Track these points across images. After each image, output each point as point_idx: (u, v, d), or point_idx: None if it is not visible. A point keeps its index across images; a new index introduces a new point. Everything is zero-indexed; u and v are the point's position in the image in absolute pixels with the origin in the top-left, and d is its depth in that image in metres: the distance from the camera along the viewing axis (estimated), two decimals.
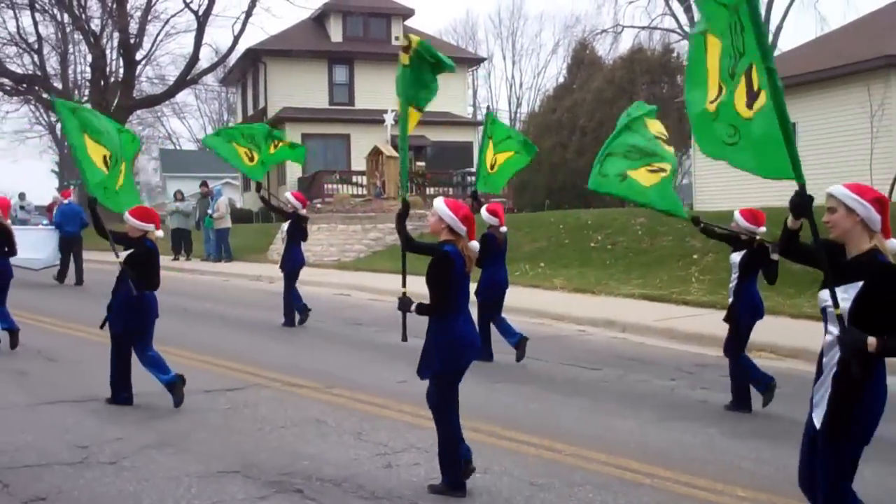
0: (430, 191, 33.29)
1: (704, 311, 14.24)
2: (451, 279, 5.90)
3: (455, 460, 5.97)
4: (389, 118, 32.00)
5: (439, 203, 6.05)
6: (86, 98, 39.84)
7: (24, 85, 39.34)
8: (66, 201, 21.23)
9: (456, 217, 5.97)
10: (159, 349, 8.62)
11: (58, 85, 40.02)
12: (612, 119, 38.89)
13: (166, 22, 39.12)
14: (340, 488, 6.05)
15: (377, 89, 38.44)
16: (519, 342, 10.96)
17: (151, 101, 42.44)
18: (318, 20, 40.76)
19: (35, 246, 18.35)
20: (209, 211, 25.43)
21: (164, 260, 25.36)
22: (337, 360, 10.90)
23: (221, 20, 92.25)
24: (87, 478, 6.20)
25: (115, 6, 37.31)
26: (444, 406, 6.04)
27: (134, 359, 8.46)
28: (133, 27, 38.33)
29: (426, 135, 37.30)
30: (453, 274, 5.90)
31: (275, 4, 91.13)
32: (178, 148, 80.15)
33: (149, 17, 38.50)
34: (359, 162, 36.09)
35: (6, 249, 11.40)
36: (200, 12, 38.17)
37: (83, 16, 38.19)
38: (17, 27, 39.10)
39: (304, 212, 14.09)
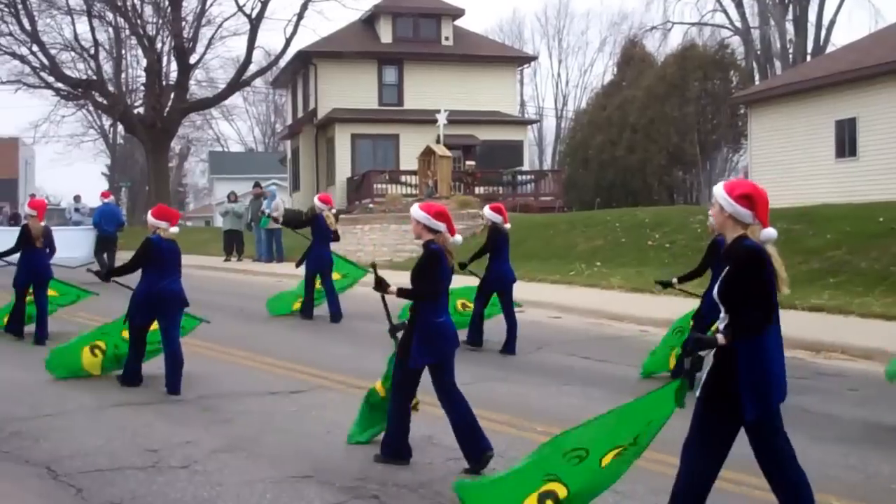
0: (479, 190, 33.15)
1: None
2: (439, 272, 6.38)
3: (398, 434, 6.53)
4: (442, 117, 31.89)
5: (413, 208, 6.54)
6: (140, 102, 40.26)
7: (81, 90, 39.81)
8: (104, 201, 21.80)
9: (429, 216, 6.44)
10: (221, 351, 8.79)
11: (112, 90, 40.40)
12: (664, 116, 38.94)
13: (219, 26, 39.42)
14: (417, 494, 5.93)
15: (426, 89, 38.33)
16: (474, 342, 11.47)
17: (204, 104, 42.78)
18: (368, 21, 40.75)
19: (71, 245, 18.71)
20: (266, 210, 25.40)
21: (216, 261, 25.91)
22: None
23: (271, 23, 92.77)
24: (160, 482, 6.14)
25: (169, 11, 37.64)
26: (402, 387, 6.55)
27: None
28: (186, 32, 38.63)
29: (475, 133, 37.14)
30: (441, 268, 6.37)
31: (326, 7, 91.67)
32: (225, 150, 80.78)
33: (202, 22, 38.77)
34: (408, 162, 35.95)
35: (48, 250, 12.04)
36: (253, 15, 38.43)
37: (138, 21, 38.57)
38: (74, 33, 39.65)
39: (332, 211, 14.54)
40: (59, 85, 40.05)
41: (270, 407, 8.33)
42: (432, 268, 6.38)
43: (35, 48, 38.64)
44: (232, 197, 27.70)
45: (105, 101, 40.34)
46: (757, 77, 45.15)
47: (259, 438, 7.28)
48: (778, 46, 46.18)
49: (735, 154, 46.87)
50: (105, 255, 20.68)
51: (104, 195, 22.52)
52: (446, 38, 40.00)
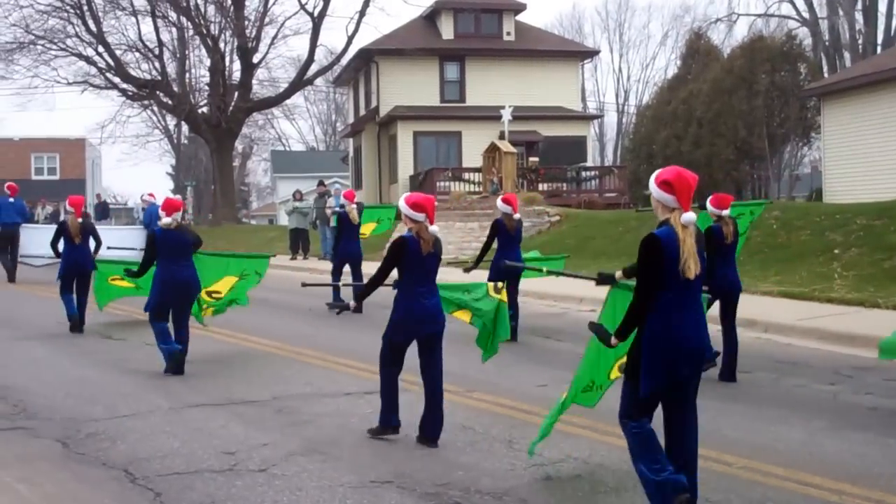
0: (543, 186, 32.87)
1: (851, 308, 13.47)
2: (401, 259, 6.92)
3: (388, 407, 7.19)
4: (507, 113, 31.64)
5: (399, 200, 7.13)
6: (204, 102, 40.60)
7: (146, 90, 40.28)
8: (152, 202, 22.88)
9: (406, 206, 6.95)
10: (291, 350, 9.27)
11: (177, 90, 40.82)
12: (731, 110, 38.24)
13: (282, 24, 39.59)
14: (502, 502, 5.73)
15: (488, 86, 38.15)
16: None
17: (267, 104, 43.03)
18: (429, 18, 40.64)
19: (121, 243, 19.46)
20: (335, 208, 25.32)
21: (283, 259, 25.92)
22: (474, 364, 10.18)
23: (332, 21, 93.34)
24: (239, 486, 6.02)
25: (232, 10, 37.90)
26: (385, 362, 7.22)
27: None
28: (249, 31, 38.87)
29: (538, 129, 36.83)
30: (405, 255, 6.89)
31: (389, 3, 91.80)
32: (287, 149, 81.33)
33: (265, 21, 38.99)
34: (470, 159, 35.97)
35: (91, 244, 13.11)
36: (315, 14, 38.51)
37: (202, 21, 38.90)
38: (139, 33, 40.13)
39: (352, 206, 15.39)
40: (125, 86, 40.53)
41: (346, 408, 8.19)
42: (389, 255, 6.97)
43: (101, 49, 39.14)
44: (297, 195, 27.74)
45: (170, 102, 40.72)
46: (826, 69, 44.16)
47: (336, 441, 7.14)
48: (847, 37, 45.11)
49: (805, 147, 45.92)
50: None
51: (151, 196, 23.97)
52: (508, 34, 39.74)
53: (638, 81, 74.15)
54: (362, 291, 7.55)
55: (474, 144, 36.49)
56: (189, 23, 39.34)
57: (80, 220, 13.08)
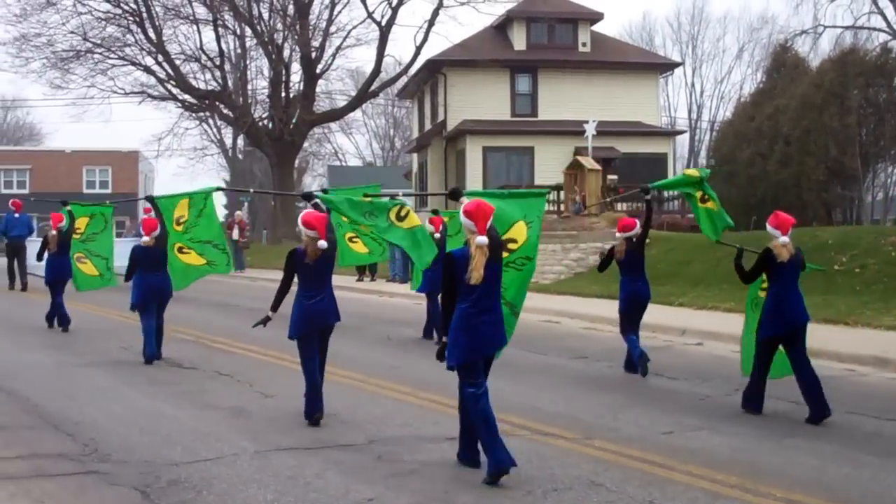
0: (621, 206, 30.81)
1: None
2: (291, 268, 8.39)
3: (311, 399, 8.32)
4: (590, 128, 29.58)
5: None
6: (265, 114, 39.14)
7: (206, 101, 38.91)
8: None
9: (300, 224, 8.31)
10: (377, 385, 9.70)
11: (237, 101, 39.36)
12: (821, 127, 35.32)
13: (348, 34, 37.95)
14: None
15: (562, 99, 36.34)
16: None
17: (331, 116, 41.45)
18: (501, 28, 38.80)
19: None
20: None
21: (348, 280, 24.35)
22: (580, 404, 9.47)
23: (395, 30, 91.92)
24: None
25: (297, 19, 36.41)
26: (301, 359, 8.46)
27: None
28: (314, 40, 37.37)
29: (615, 146, 34.73)
30: (293, 264, 8.37)
31: (460, 12, 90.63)
32: (343, 164, 79.85)
33: (330, 31, 37.42)
34: (542, 176, 34.09)
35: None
36: (383, 23, 36.84)
37: (264, 30, 37.47)
38: (200, 43, 38.78)
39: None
40: (184, 96, 39.21)
41: (451, 456, 7.21)
42: (286, 265, 8.46)
43: (160, 58, 37.83)
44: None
45: (231, 113, 39.28)
46: None
47: (449, 496, 6.31)
48: None
49: None
50: None
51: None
52: (583, 44, 37.80)
53: (711, 97, 71.30)
54: (273, 301, 8.57)
55: (547, 161, 34.75)
56: (251, 32, 37.85)
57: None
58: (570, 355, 12.74)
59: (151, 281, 11.86)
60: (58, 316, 14.86)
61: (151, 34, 37.29)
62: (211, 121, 54.48)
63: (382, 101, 59.55)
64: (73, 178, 61.97)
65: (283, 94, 38.38)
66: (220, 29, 38.26)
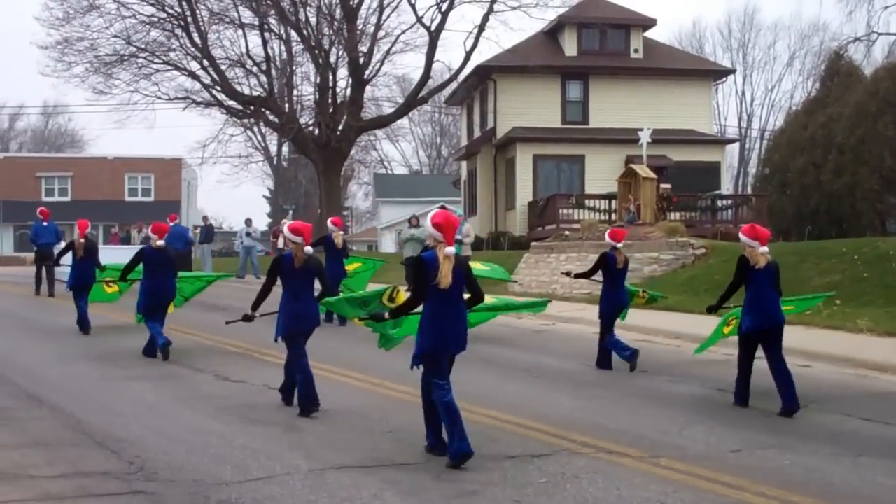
0: (674, 216, 30.16)
1: None
2: (276, 273, 9.26)
3: (308, 394, 9.02)
4: (645, 136, 28.96)
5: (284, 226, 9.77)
6: (312, 120, 38.81)
7: (252, 107, 38.65)
8: (172, 224, 24.36)
9: (288, 231, 9.21)
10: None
11: (284, 107, 39.05)
12: (876, 136, 34.22)
13: (396, 39, 37.52)
14: None
15: (613, 106, 35.70)
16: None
17: (379, 123, 41.03)
18: (551, 34, 38.25)
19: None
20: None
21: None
22: (644, 420, 9.23)
23: (444, 35, 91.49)
24: None
25: (344, 23, 36.09)
26: (292, 356, 9.25)
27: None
28: (362, 45, 37.00)
29: (667, 154, 34.05)
30: (279, 269, 9.23)
31: (511, 16, 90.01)
32: (389, 172, 79.61)
33: (379, 35, 37.05)
34: (594, 184, 33.60)
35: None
36: (433, 27, 36.40)
37: (311, 35, 37.18)
38: (246, 48, 38.55)
39: (340, 233, 16.73)
40: (230, 102, 38.94)
41: (515, 476, 7.08)
42: (269, 270, 9.37)
43: (205, 63, 37.62)
44: (413, 221, 25.47)
45: (276, 120, 39.00)
46: None
47: None
48: None
49: None
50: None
51: (171, 218, 26.05)
52: (636, 51, 37.17)
53: (761, 105, 70.10)
54: (255, 301, 9.45)
55: (598, 169, 34.23)
56: (298, 36, 37.56)
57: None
58: (629, 369, 12.34)
59: (159, 283, 12.61)
60: (80, 319, 15.08)
61: (196, 38, 36.94)
62: (256, 127, 54.35)
63: (429, 108, 59.04)
64: (115, 185, 61.78)
65: (330, 100, 37.98)
66: (265, 33, 37.88)
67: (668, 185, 31.46)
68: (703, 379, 11.74)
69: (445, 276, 7.33)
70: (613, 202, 30.37)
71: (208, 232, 33.30)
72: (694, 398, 10.56)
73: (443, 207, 27.10)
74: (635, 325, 16.82)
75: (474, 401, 9.65)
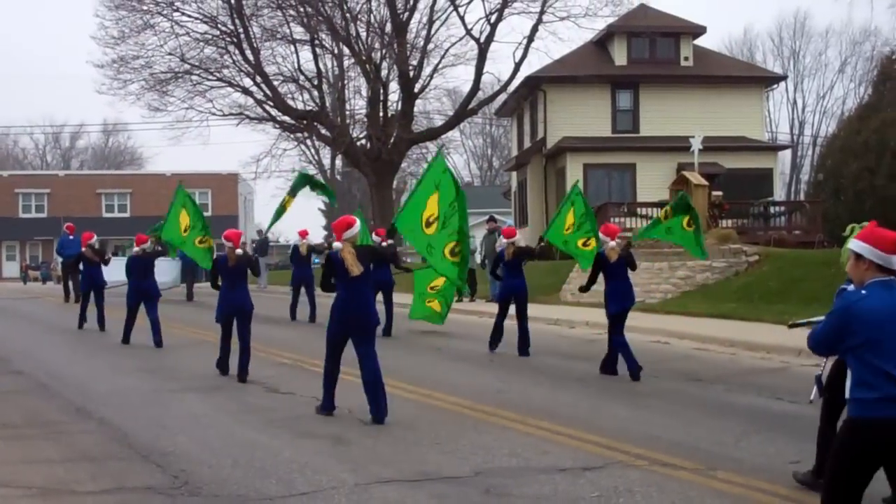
0: (726, 223, 29.96)
1: None
2: (216, 271, 12.27)
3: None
4: (696, 143, 28.89)
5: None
6: (363, 133, 39.24)
7: (304, 121, 39.16)
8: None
9: (223, 238, 11.98)
10: (482, 411, 9.50)
11: (336, 121, 39.55)
12: None
13: (446, 52, 37.87)
14: None
15: (664, 115, 35.58)
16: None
17: (431, 135, 41.37)
18: (600, 43, 38.31)
19: (161, 272, 20.39)
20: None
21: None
22: (699, 431, 8.91)
23: (494, 47, 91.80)
24: None
25: (394, 37, 36.47)
26: (221, 337, 12.09)
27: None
28: (412, 58, 37.36)
29: (719, 161, 33.90)
30: (217, 268, 12.20)
31: (560, 27, 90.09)
32: None
33: (428, 48, 37.40)
34: (645, 193, 33.53)
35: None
36: (482, 39, 36.65)
37: (362, 49, 37.61)
38: (297, 63, 39.09)
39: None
40: (283, 117, 39.49)
41: (566, 490, 6.83)
42: (211, 270, 12.65)
43: (258, 79, 38.20)
44: (491, 225, 25.76)
45: (329, 134, 39.46)
46: None
47: None
48: None
49: None
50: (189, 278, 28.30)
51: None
52: (686, 59, 37.09)
53: (813, 112, 69.31)
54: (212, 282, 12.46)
55: (649, 178, 34.17)
56: (349, 51, 38.02)
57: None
58: (684, 378, 12.26)
59: (143, 285, 15.21)
60: (98, 318, 17.57)
61: (249, 55, 37.58)
62: (309, 141, 54.92)
63: (480, 119, 59.39)
64: None
65: (381, 114, 38.38)
66: (317, 49, 38.46)
67: (719, 193, 31.17)
68: (759, 387, 11.48)
69: (350, 266, 8.88)
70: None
71: (263, 245, 33.74)
72: (750, 407, 10.25)
73: (491, 219, 27.31)
74: (689, 332, 16.82)
75: (523, 410, 9.67)
